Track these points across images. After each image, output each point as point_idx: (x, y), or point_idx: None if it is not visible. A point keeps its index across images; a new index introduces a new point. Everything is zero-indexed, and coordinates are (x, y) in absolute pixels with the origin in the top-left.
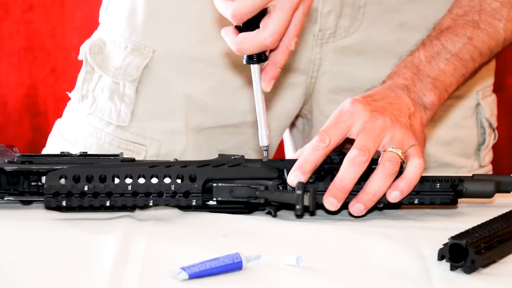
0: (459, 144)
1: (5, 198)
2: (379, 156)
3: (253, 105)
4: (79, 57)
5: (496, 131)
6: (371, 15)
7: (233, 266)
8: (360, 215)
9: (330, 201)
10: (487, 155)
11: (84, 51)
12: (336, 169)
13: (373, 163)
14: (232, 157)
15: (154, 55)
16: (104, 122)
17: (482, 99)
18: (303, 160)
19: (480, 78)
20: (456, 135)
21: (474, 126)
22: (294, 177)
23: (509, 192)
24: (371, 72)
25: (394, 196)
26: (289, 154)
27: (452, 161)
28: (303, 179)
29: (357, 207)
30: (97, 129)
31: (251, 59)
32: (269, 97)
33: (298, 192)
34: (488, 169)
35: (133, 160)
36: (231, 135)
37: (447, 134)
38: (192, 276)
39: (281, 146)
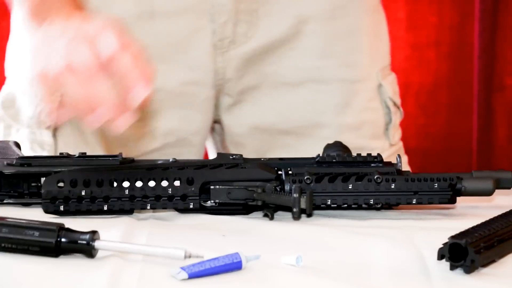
0: (369, 126)
1: (5, 201)
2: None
3: (172, 127)
4: None
5: (401, 109)
6: (266, 16)
7: (233, 265)
8: None
9: None
10: (396, 133)
11: None
12: (335, 170)
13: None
14: (231, 156)
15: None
16: None
17: (383, 79)
18: None
19: (378, 59)
20: (364, 118)
21: (380, 107)
22: None
23: (509, 188)
24: (273, 66)
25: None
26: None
27: (364, 144)
28: None
29: None
30: None
31: None
32: (189, 116)
33: (295, 195)
34: (398, 147)
35: (132, 160)
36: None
37: (355, 119)
38: (192, 276)
39: None
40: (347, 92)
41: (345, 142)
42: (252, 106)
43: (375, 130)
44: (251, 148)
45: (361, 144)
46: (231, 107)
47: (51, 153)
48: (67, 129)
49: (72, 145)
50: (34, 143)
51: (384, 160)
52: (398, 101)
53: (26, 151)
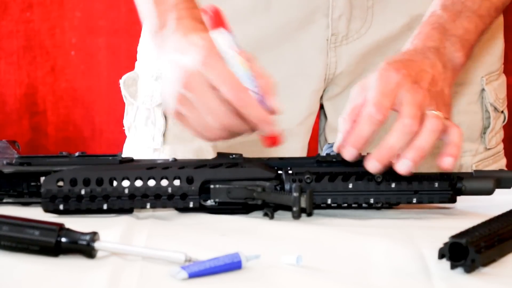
0: (463, 129)
1: (4, 200)
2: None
3: (277, 117)
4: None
5: (505, 112)
6: (380, 14)
7: (233, 265)
8: (407, 172)
9: (374, 164)
10: (494, 138)
11: (121, 85)
12: (335, 169)
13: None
14: (231, 156)
15: None
16: (144, 147)
17: (487, 85)
18: (359, 136)
19: (485, 64)
20: (460, 120)
21: (479, 111)
22: (349, 154)
23: (509, 188)
24: (383, 59)
25: (448, 162)
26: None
27: None
28: (357, 154)
29: (404, 163)
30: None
31: None
32: (296, 108)
33: (295, 194)
34: (496, 151)
35: (131, 159)
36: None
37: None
38: (192, 276)
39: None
40: None
41: (437, 142)
42: None
43: (470, 133)
44: None
45: None
46: (336, 96)
47: (161, 131)
48: None
49: (179, 124)
50: (149, 120)
51: (477, 164)
52: (500, 106)
53: (142, 128)
